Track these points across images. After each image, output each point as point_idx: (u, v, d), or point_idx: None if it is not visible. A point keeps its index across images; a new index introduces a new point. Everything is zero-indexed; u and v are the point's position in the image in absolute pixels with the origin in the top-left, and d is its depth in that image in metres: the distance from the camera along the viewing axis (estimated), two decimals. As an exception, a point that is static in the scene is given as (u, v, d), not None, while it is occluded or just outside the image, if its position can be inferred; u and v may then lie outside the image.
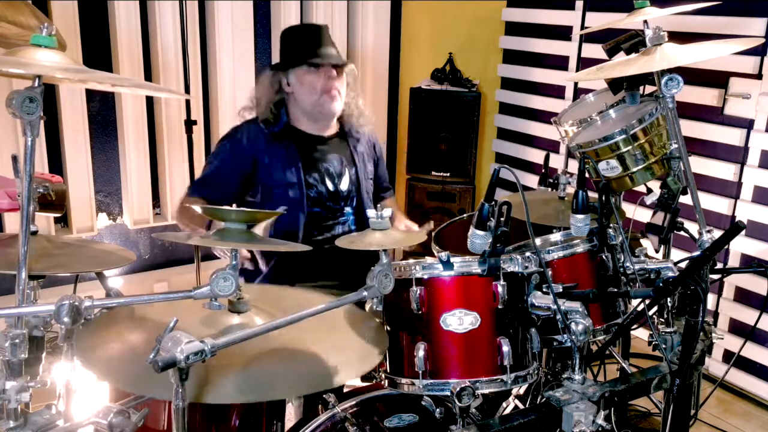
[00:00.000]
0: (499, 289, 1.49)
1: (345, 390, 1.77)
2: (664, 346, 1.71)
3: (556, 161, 3.70)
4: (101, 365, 1.26)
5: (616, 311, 1.70)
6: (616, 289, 1.69)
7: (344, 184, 2.30)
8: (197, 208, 1.49)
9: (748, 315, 2.97)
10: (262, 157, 2.22)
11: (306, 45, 2.24)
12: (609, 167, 1.94)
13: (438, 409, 1.62)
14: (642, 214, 2.04)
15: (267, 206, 2.23)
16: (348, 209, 2.33)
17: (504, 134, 4.31)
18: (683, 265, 1.77)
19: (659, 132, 1.91)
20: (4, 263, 1.48)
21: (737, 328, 3.05)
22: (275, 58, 3.42)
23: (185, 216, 2.22)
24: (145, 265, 3.48)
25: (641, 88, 2.02)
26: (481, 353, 1.49)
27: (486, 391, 1.49)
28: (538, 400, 2.01)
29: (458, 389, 1.41)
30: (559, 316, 1.50)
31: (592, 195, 1.61)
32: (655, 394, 1.63)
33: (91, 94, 3.14)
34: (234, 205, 2.36)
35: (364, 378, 1.72)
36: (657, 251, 1.89)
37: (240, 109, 2.37)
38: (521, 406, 2.03)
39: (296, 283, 2.21)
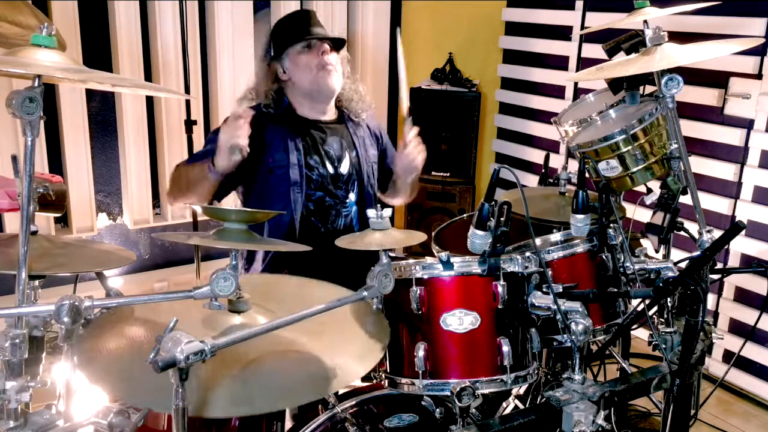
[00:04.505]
0: (499, 289, 1.49)
1: (345, 390, 1.76)
2: (664, 346, 1.71)
3: (556, 161, 3.70)
4: (101, 371, 1.26)
5: (616, 311, 1.70)
6: (616, 289, 1.69)
7: (344, 167, 2.30)
8: (197, 208, 1.49)
9: (748, 315, 2.97)
10: (263, 137, 2.22)
11: (296, 27, 2.27)
12: (609, 167, 1.94)
13: (438, 409, 1.62)
14: (642, 214, 2.04)
15: (267, 188, 2.22)
16: (351, 197, 2.32)
17: (504, 134, 4.31)
18: (683, 265, 1.77)
19: (659, 132, 1.91)
20: (4, 263, 1.48)
21: (737, 328, 3.05)
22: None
23: (181, 182, 2.15)
24: (145, 265, 3.48)
25: (641, 88, 2.02)
26: (481, 353, 1.49)
27: (486, 391, 1.49)
28: (538, 400, 2.01)
29: (458, 389, 1.41)
30: (559, 316, 1.50)
31: (592, 195, 1.61)
32: (655, 394, 1.63)
33: (91, 94, 3.14)
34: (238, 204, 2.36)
35: (364, 378, 1.72)
36: (657, 251, 1.89)
37: (238, 99, 2.37)
38: (521, 406, 2.03)
39: (288, 272, 2.21)
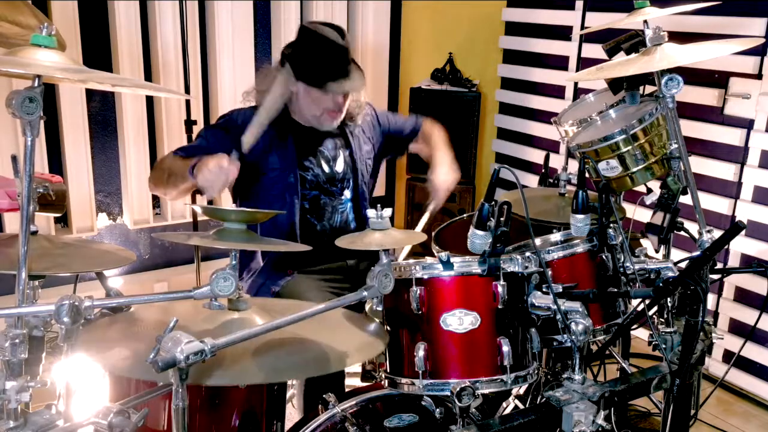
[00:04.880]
0: (499, 289, 1.49)
1: (345, 390, 1.77)
2: (664, 346, 1.71)
3: (556, 161, 3.70)
4: (103, 359, 1.27)
5: (616, 311, 1.70)
6: (616, 289, 1.69)
7: (339, 166, 2.31)
8: (197, 208, 1.49)
9: (748, 315, 2.97)
10: (258, 140, 2.21)
11: (324, 69, 2.15)
12: (609, 167, 1.94)
13: (438, 409, 1.62)
14: (642, 214, 2.04)
15: (261, 192, 2.22)
16: (346, 194, 2.33)
17: (504, 134, 4.31)
18: (683, 265, 1.77)
19: (659, 132, 1.91)
20: (4, 263, 1.48)
21: (737, 328, 3.05)
22: (275, 57, 3.42)
23: (163, 171, 2.10)
24: (145, 265, 3.48)
25: (641, 88, 2.02)
26: (481, 353, 1.49)
27: (486, 391, 1.49)
28: (538, 400, 2.01)
29: (458, 389, 1.41)
30: (559, 316, 1.50)
31: (592, 195, 1.61)
32: (655, 394, 1.63)
33: (91, 94, 3.14)
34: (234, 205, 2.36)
35: (364, 378, 1.73)
36: (657, 251, 1.89)
37: (243, 93, 2.34)
38: (521, 406, 2.03)
39: (294, 271, 2.21)
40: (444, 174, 2.37)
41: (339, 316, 1.57)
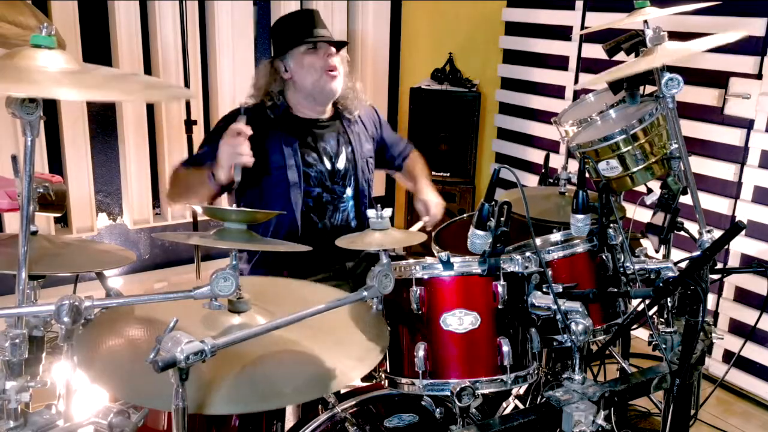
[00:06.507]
0: (499, 289, 1.49)
1: (345, 390, 1.77)
2: (664, 346, 1.71)
3: (556, 161, 3.70)
4: (100, 370, 1.26)
5: (616, 311, 1.70)
6: (616, 289, 1.69)
7: (341, 163, 2.32)
8: (198, 208, 1.49)
9: (748, 315, 2.97)
10: (261, 139, 2.22)
11: (302, 27, 2.28)
12: (609, 167, 1.94)
13: (438, 409, 1.62)
14: (642, 214, 2.04)
15: (264, 188, 2.23)
16: (348, 192, 2.34)
17: (504, 134, 4.31)
18: (683, 265, 1.77)
19: (659, 132, 1.91)
20: (4, 263, 1.48)
21: (737, 328, 3.05)
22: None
23: (180, 186, 2.17)
24: (145, 265, 3.48)
25: (641, 88, 2.02)
26: (481, 353, 1.49)
27: (486, 391, 1.49)
28: (538, 400, 2.01)
29: (458, 389, 1.41)
30: (559, 316, 1.50)
31: (592, 195, 1.61)
32: (655, 394, 1.63)
33: (91, 94, 3.13)
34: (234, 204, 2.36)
35: (364, 378, 1.72)
36: (657, 251, 1.89)
37: (247, 96, 2.37)
38: (521, 406, 2.03)
39: (293, 276, 2.21)
40: (435, 195, 2.44)
41: (339, 310, 1.55)
